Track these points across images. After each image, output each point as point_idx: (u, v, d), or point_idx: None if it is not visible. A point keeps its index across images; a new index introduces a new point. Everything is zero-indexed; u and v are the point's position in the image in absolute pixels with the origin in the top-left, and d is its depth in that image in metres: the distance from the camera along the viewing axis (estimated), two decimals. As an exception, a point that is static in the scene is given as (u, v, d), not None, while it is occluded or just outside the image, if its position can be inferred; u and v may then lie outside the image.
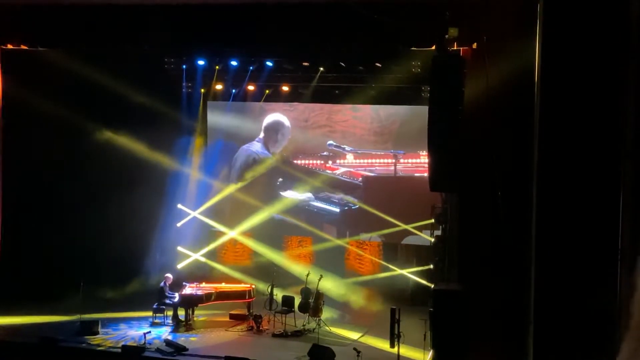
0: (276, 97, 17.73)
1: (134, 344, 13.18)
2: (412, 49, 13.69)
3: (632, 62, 9.99)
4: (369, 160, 17.38)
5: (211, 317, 15.44)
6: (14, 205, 15.71)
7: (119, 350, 12.91)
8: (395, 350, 12.15)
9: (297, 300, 15.16)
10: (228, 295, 15.58)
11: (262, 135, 17.96)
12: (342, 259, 17.75)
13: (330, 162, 17.59)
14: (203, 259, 18.06)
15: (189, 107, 17.96)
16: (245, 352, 12.68)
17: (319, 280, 15.11)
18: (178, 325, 14.73)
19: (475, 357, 11.35)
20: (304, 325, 14.72)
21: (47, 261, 16.05)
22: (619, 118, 10.21)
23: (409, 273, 16.84)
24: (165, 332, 14.25)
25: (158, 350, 12.95)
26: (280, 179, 17.90)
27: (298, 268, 17.04)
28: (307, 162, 17.76)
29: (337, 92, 17.25)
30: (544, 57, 10.76)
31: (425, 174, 12.87)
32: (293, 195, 17.78)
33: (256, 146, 18.01)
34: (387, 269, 17.19)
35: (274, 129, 17.93)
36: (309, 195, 17.71)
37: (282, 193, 17.87)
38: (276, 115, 17.89)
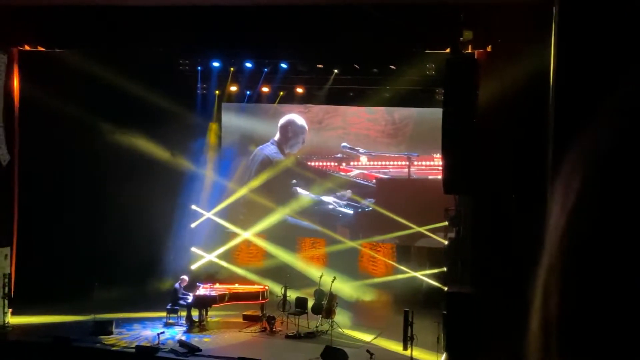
0: (290, 99, 17.76)
1: (148, 344, 13.24)
2: (427, 51, 13.71)
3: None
4: (383, 163, 17.36)
5: (224, 318, 15.48)
6: (29, 204, 15.81)
7: (133, 350, 12.97)
8: (408, 352, 12.14)
9: (311, 302, 15.16)
10: (241, 297, 15.62)
11: (277, 136, 17.98)
12: (355, 260, 17.73)
13: (344, 164, 17.58)
14: (217, 260, 18.09)
15: (203, 109, 18.05)
16: (258, 353, 12.73)
17: (332, 281, 15.08)
18: (192, 325, 14.78)
19: (489, 360, 11.33)
20: (317, 327, 14.71)
21: (62, 261, 16.10)
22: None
23: (423, 275, 16.79)
24: (179, 333, 14.31)
25: (172, 350, 13.00)
26: (294, 181, 17.90)
27: (311, 270, 17.05)
28: (321, 164, 17.76)
29: (351, 94, 17.26)
30: (559, 59, 10.69)
31: (439, 177, 12.85)
32: (309, 196, 17.78)
33: (271, 148, 18.02)
34: (400, 271, 17.15)
35: (289, 130, 17.93)
36: (331, 198, 17.69)
37: (299, 194, 17.85)
38: (293, 115, 17.90)
